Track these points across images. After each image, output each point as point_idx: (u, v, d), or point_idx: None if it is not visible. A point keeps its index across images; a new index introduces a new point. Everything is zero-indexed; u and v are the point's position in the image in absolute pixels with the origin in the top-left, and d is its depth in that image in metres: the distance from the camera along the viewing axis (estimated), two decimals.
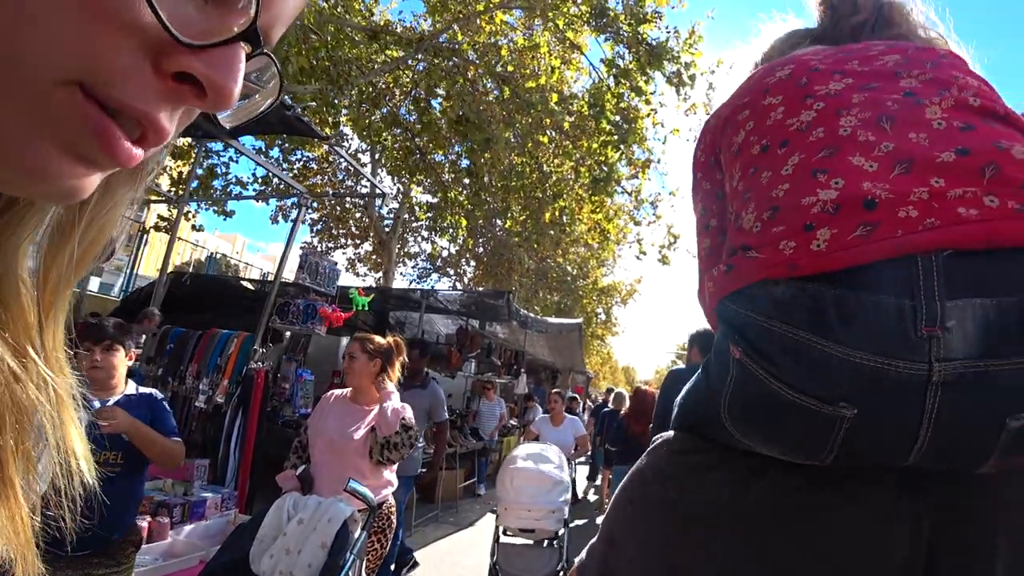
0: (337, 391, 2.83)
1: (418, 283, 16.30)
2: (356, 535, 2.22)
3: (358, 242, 15.50)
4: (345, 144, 12.80)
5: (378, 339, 2.75)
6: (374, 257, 14.97)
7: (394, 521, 2.69)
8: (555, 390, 6.12)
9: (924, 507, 0.57)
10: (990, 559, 0.54)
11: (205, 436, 4.14)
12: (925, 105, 0.63)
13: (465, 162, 9.52)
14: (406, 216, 13.47)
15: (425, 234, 14.78)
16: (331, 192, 11.91)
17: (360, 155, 13.51)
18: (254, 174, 11.31)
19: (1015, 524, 0.55)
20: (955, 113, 0.61)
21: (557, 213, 9.58)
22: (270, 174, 10.27)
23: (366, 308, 4.47)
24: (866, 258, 0.53)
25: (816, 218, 0.57)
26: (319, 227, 14.61)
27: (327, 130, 10.15)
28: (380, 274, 14.08)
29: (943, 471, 0.56)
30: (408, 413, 2.65)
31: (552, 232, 10.86)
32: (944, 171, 0.56)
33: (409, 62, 8.38)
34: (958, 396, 0.50)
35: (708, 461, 0.67)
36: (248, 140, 7.52)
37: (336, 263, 4.82)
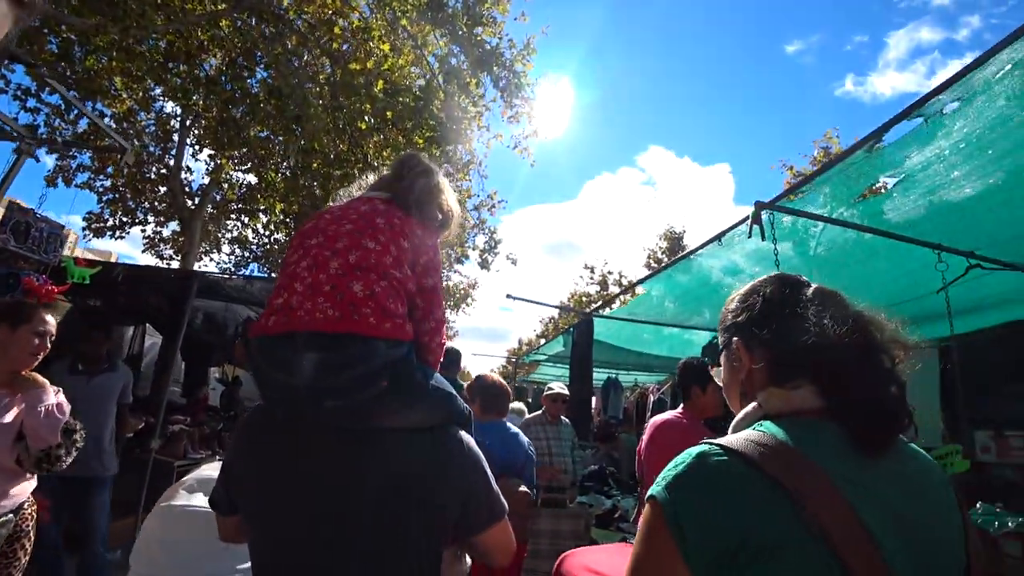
0: None
1: (233, 271, 14.80)
2: None
3: (162, 219, 13.66)
4: (156, 105, 11.23)
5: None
6: (182, 239, 13.26)
7: (32, 526, 2.19)
8: None
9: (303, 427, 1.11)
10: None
11: None
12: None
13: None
14: (217, 196, 12.11)
15: (246, 219, 13.48)
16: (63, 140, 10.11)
17: (174, 120, 11.92)
18: None
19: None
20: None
21: None
22: None
23: (85, 281, 3.76)
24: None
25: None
26: (110, 197, 12.59)
27: (117, 80, 8.76)
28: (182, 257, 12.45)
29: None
30: (67, 408, 2.17)
31: None
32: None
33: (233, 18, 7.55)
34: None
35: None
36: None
37: (63, 227, 3.98)
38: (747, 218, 2.60)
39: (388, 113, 7.44)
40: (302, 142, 7.54)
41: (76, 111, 9.33)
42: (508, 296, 5.58)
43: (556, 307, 14.44)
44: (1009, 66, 1.84)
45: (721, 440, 0.79)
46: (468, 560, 1.36)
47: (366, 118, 7.34)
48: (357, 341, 1.02)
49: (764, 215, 2.53)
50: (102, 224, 12.90)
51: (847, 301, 0.92)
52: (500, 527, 1.16)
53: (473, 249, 11.01)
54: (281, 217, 11.11)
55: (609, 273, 25.61)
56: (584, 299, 24.36)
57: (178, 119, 11.80)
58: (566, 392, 4.45)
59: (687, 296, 5.00)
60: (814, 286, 0.96)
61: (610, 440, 6.95)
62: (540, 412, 4.47)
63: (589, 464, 5.94)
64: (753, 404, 0.90)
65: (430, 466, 1.07)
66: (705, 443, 0.79)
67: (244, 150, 9.79)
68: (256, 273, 14.67)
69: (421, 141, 7.78)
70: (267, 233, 13.79)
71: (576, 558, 1.85)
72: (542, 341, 19.05)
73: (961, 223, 2.98)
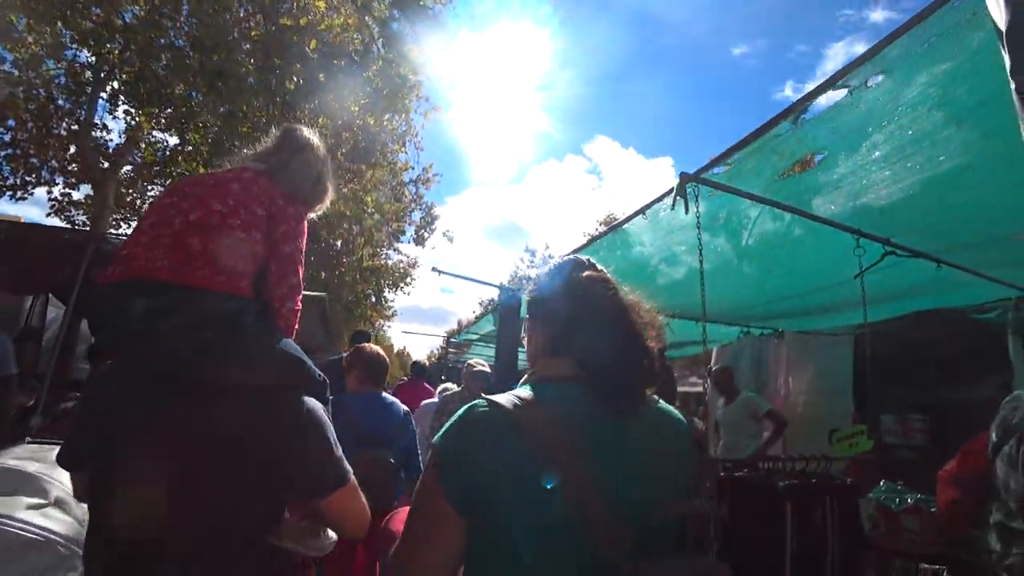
0: None
1: None
2: None
3: (73, 181, 12.50)
4: (67, 52, 10.16)
5: None
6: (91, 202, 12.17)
7: None
8: None
9: None
10: None
11: None
12: None
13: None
14: (136, 158, 11.14)
15: (167, 184, 12.46)
16: None
17: (87, 71, 10.84)
18: None
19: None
20: None
21: None
22: None
23: None
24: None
25: None
26: (9, 152, 11.39)
27: (20, 20, 7.85)
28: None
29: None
30: None
31: None
32: None
33: None
34: None
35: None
36: None
37: None
38: (672, 191, 2.53)
39: (320, 75, 7.02)
40: (227, 105, 7.01)
41: None
42: (434, 270, 5.43)
43: (484, 283, 14.41)
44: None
45: (492, 396, 0.92)
46: (332, 534, 1.33)
47: (295, 78, 6.89)
48: (183, 290, 1.09)
49: (689, 188, 2.47)
50: (0, 182, 11.67)
51: (613, 286, 1.07)
52: (344, 493, 1.19)
53: (409, 224, 10.71)
54: None
55: (550, 257, 25.81)
56: (524, 283, 24.36)
57: (91, 70, 10.76)
58: (487, 369, 4.34)
59: (623, 279, 4.91)
60: (587, 273, 1.09)
61: None
62: (460, 389, 4.38)
63: None
64: (531, 371, 1.07)
65: (268, 427, 1.11)
66: (481, 398, 0.92)
67: (167, 109, 9.05)
68: None
69: (356, 108, 7.41)
70: None
71: (402, 513, 1.87)
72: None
73: (878, 211, 3.03)
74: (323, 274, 15.20)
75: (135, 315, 1.07)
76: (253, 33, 7.75)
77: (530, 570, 0.81)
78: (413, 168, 10.25)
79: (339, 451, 1.21)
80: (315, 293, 8.57)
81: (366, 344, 3.14)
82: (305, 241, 1.38)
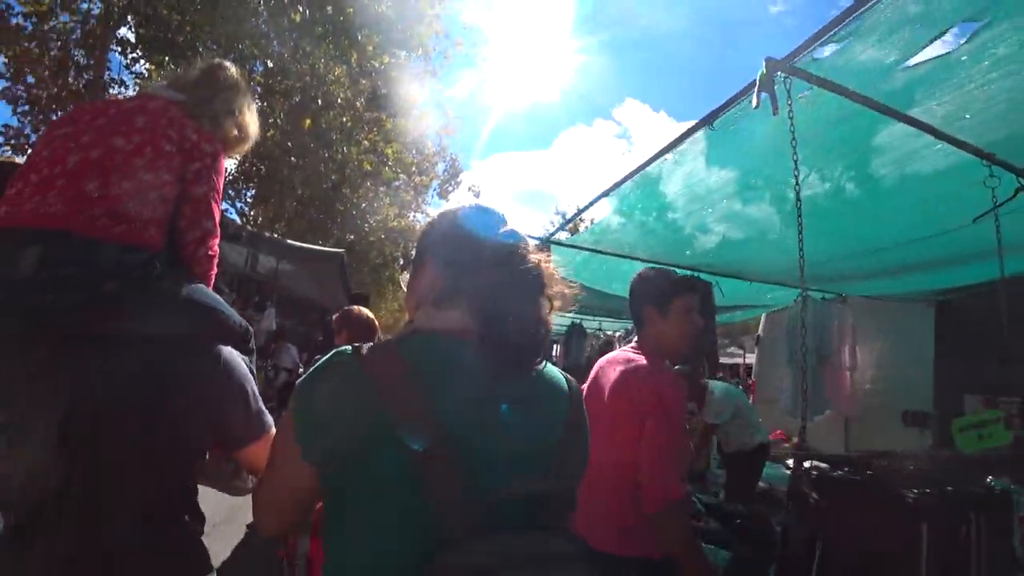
0: None
1: None
2: None
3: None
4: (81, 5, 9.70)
5: None
6: None
7: None
8: None
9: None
10: None
11: None
12: None
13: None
14: None
15: None
16: None
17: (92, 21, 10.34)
18: None
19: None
20: None
21: (327, 126, 8.16)
22: None
23: None
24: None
25: None
26: (26, 109, 11.10)
27: None
28: None
29: None
30: None
31: (321, 150, 9.33)
32: None
33: None
34: None
35: None
36: None
37: None
38: (752, 86, 1.77)
39: (329, 8, 6.31)
40: (237, 46, 6.43)
41: None
42: None
43: None
44: None
45: (365, 344, 0.88)
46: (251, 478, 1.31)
47: (300, 8, 6.20)
48: (79, 240, 1.01)
49: (779, 81, 1.71)
50: (24, 140, 11.47)
51: (531, 248, 0.95)
52: (260, 446, 1.15)
53: (433, 179, 10.05)
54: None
55: (580, 220, 24.72)
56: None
57: (99, 20, 10.28)
58: None
59: (657, 232, 4.16)
60: (508, 228, 0.97)
61: None
62: None
63: None
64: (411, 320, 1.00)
65: (177, 378, 1.07)
66: (352, 345, 0.88)
67: (177, 59, 8.52)
68: None
69: (372, 49, 6.70)
70: None
71: None
72: None
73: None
74: (350, 236, 14.80)
75: (27, 264, 0.97)
76: None
77: (364, 532, 0.80)
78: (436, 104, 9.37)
79: (256, 403, 1.20)
80: (332, 249, 8.21)
81: (354, 307, 3.28)
82: (222, 181, 1.28)
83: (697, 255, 4.42)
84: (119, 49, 10.45)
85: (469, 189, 10.65)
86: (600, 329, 9.58)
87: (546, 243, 4.43)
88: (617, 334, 9.15)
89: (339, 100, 7.88)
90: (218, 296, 1.22)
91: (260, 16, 6.34)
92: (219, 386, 1.13)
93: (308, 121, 7.99)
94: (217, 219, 1.25)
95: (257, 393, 1.20)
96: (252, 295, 8.02)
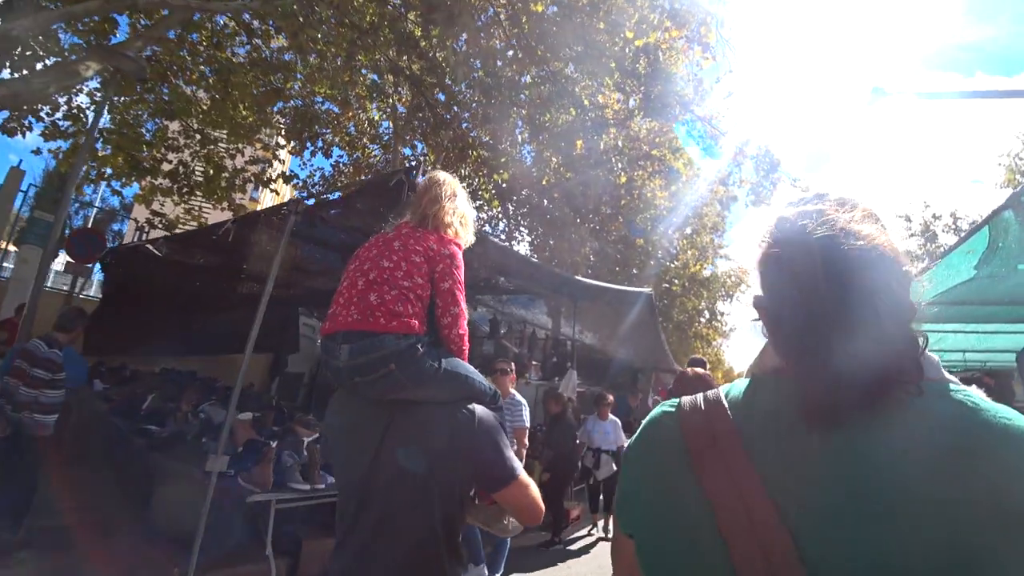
0: None
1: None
2: None
3: None
4: None
5: None
6: None
7: None
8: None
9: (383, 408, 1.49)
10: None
11: None
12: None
13: None
14: None
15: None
16: None
17: None
18: None
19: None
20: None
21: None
22: None
23: None
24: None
25: None
26: None
27: None
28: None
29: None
30: None
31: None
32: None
33: None
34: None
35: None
36: None
37: None
38: None
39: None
40: None
41: None
42: None
43: None
44: None
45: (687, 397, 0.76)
46: (515, 521, 1.64)
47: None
48: (370, 336, 1.44)
49: None
50: None
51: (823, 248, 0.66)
52: (512, 488, 1.46)
53: (740, 186, 8.80)
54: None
55: (935, 217, 19.18)
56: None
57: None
58: None
59: None
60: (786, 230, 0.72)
61: None
62: None
63: None
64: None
65: (443, 431, 1.42)
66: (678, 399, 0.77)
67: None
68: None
69: (614, 64, 6.20)
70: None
71: None
72: None
73: None
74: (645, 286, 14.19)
75: (343, 356, 1.45)
76: None
77: None
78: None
79: (508, 451, 1.48)
80: (640, 289, 7.70)
81: (690, 368, 3.31)
82: (463, 272, 1.60)
83: None
84: None
85: (791, 181, 8.85)
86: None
87: None
88: None
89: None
90: (470, 366, 1.58)
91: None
92: (476, 437, 1.44)
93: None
94: (463, 305, 1.58)
95: (507, 443, 1.50)
96: (548, 353, 7.74)
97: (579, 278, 6.45)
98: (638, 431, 0.77)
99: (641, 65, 7.32)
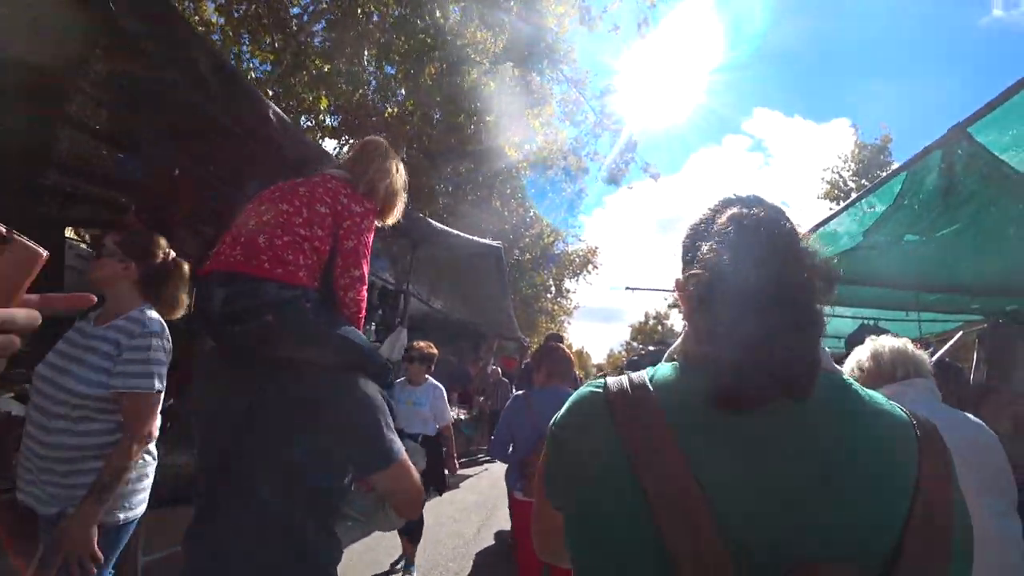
0: None
1: None
2: None
3: None
4: None
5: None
6: None
7: None
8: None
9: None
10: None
11: None
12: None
13: None
14: None
15: None
16: None
17: None
18: None
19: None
20: None
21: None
22: None
23: None
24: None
25: None
26: None
27: None
28: None
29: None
30: None
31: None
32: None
33: None
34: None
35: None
36: None
37: None
38: None
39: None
40: None
41: None
42: (628, 289, 5.02)
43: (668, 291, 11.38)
44: None
45: (614, 377, 0.76)
46: (394, 515, 1.45)
47: None
48: (248, 279, 1.27)
49: None
50: None
51: (771, 223, 0.71)
52: (389, 472, 1.28)
53: (592, 158, 8.47)
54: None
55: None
56: None
57: None
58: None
59: None
60: (734, 210, 0.76)
61: None
62: None
63: None
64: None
65: (319, 401, 1.24)
66: (602, 375, 0.83)
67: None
68: None
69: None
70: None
71: None
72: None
73: None
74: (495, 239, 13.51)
75: (215, 300, 1.27)
76: None
77: None
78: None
79: (389, 432, 1.29)
80: (491, 242, 6.94)
81: (552, 342, 3.44)
82: (371, 237, 1.48)
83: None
84: None
85: (645, 170, 8.92)
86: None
87: None
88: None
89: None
90: (362, 334, 1.43)
91: None
92: (356, 413, 1.27)
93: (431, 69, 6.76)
94: (365, 270, 1.47)
95: (391, 424, 1.31)
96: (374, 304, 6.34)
97: (426, 218, 5.27)
98: (565, 410, 0.76)
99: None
